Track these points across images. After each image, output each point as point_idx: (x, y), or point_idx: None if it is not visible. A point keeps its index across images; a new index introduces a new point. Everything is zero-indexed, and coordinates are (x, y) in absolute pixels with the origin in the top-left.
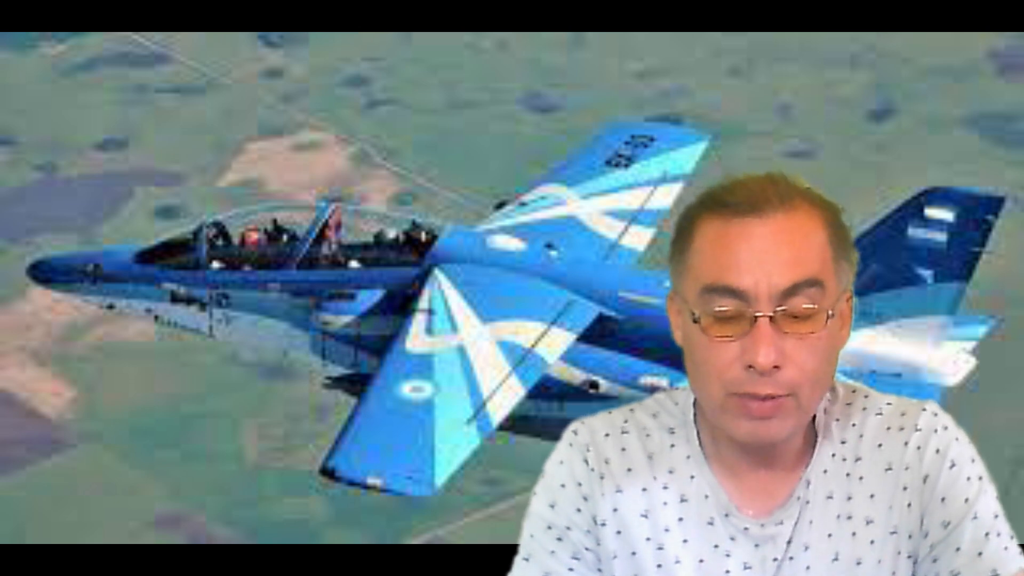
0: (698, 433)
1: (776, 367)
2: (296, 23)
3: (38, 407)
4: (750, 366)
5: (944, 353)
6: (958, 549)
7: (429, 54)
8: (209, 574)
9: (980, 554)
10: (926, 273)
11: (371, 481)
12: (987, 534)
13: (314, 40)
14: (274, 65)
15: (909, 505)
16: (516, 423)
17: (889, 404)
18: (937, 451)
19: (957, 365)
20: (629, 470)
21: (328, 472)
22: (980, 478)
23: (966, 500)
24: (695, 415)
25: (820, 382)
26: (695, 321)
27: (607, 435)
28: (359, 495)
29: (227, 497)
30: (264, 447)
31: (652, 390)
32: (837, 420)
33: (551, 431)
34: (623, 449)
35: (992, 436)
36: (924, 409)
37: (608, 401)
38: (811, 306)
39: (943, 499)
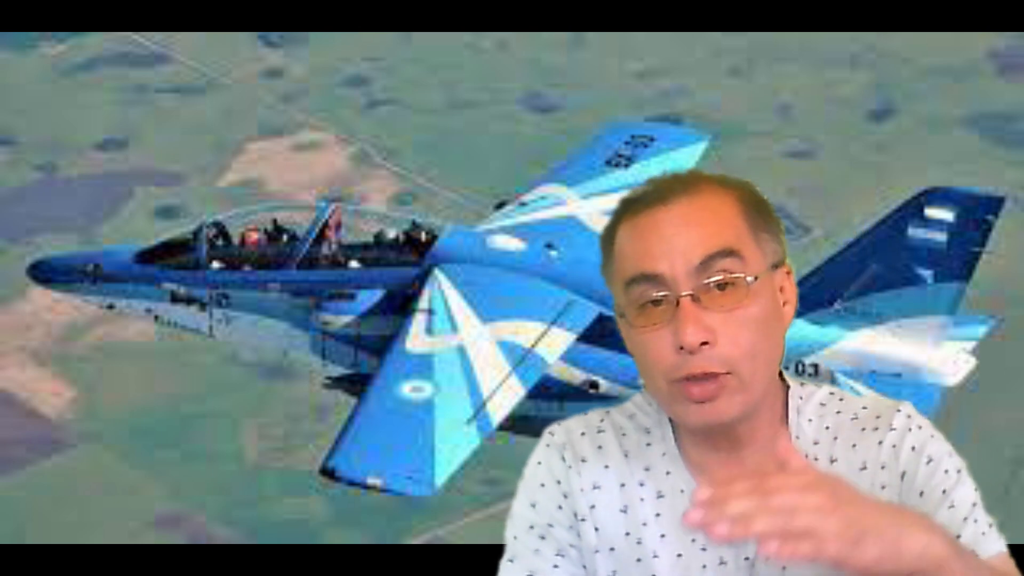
0: (674, 431)
1: (706, 343)
2: (296, 23)
3: (38, 407)
4: (681, 348)
5: (944, 353)
6: None
7: (429, 54)
8: (209, 574)
9: (958, 537)
10: (926, 273)
11: (371, 481)
12: (965, 519)
13: (314, 40)
14: (274, 65)
15: None
16: (516, 423)
17: (864, 408)
18: (913, 448)
19: (957, 365)
20: (606, 467)
21: (328, 472)
22: (958, 471)
23: (943, 492)
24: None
25: (760, 357)
26: (623, 318)
27: (583, 434)
28: (359, 495)
29: (227, 497)
30: (264, 447)
31: None
32: (810, 420)
33: None
34: (600, 447)
35: (992, 436)
36: (898, 410)
37: (608, 401)
38: (730, 274)
39: (921, 493)
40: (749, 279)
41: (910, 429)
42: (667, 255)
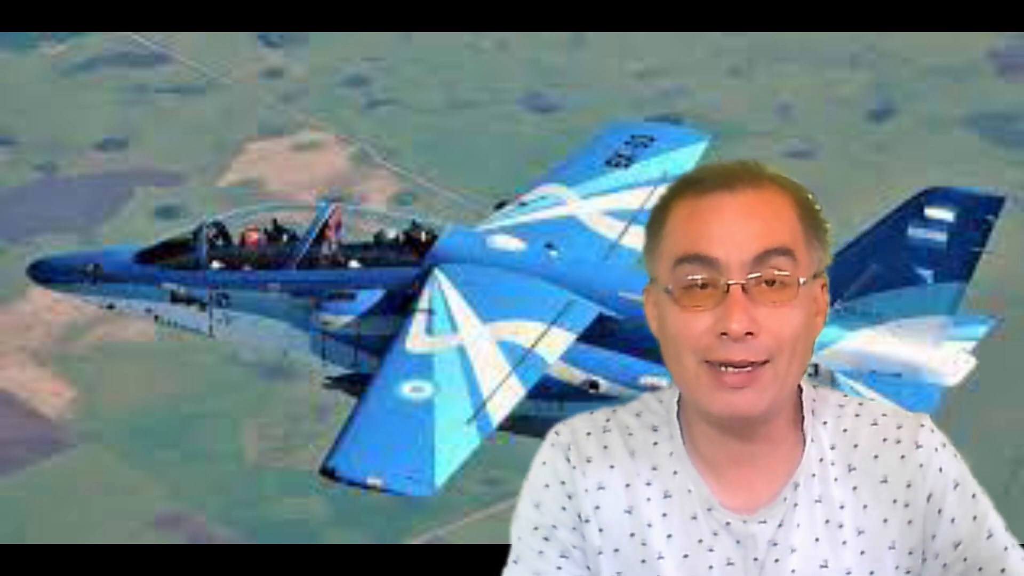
0: (681, 430)
1: (750, 334)
2: (296, 23)
3: (38, 407)
4: (723, 333)
5: (944, 353)
6: (980, 569)
7: (429, 54)
8: (209, 574)
9: (1003, 571)
10: (926, 273)
11: (371, 481)
12: (1005, 548)
13: (314, 40)
14: (274, 65)
15: (910, 522)
16: (516, 423)
17: (884, 415)
18: (940, 470)
19: (957, 365)
20: (611, 467)
21: (328, 472)
22: (982, 493)
23: (974, 518)
24: (679, 412)
25: (797, 355)
26: (668, 293)
27: (588, 434)
28: (359, 495)
29: (227, 497)
30: (264, 447)
31: (652, 390)
32: (825, 423)
33: None
34: (605, 447)
35: (992, 436)
36: (922, 425)
37: (608, 401)
38: (782, 272)
39: (952, 519)
40: (801, 280)
41: (936, 449)
42: (725, 241)
